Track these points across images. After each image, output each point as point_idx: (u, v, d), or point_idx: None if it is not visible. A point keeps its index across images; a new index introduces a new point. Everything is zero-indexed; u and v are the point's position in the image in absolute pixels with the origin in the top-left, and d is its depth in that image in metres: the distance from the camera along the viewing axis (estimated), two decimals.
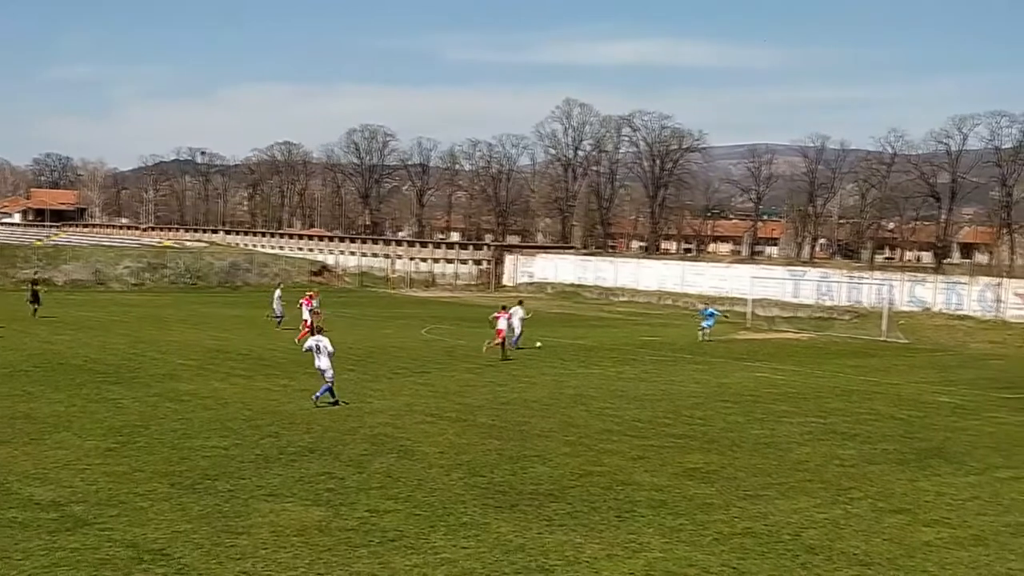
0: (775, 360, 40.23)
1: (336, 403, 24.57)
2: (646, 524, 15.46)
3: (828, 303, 65.24)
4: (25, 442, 19.45)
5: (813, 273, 71.16)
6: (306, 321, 39.39)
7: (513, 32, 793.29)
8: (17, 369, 29.27)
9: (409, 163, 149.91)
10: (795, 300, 66.65)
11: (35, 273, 62.41)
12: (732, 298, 68.27)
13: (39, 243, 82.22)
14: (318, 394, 24.70)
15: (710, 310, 48.40)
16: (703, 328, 46.55)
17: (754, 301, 61.21)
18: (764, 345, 47.00)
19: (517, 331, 38.87)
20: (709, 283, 73.51)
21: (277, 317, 44.91)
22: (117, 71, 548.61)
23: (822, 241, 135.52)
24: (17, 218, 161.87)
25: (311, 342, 25.52)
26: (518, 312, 39.66)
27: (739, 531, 15.30)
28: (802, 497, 17.55)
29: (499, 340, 36.38)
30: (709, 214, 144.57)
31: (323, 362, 24.75)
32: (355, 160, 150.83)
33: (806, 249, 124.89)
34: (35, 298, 47.87)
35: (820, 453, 21.48)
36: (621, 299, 75.89)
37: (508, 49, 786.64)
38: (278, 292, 46.69)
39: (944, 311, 60.29)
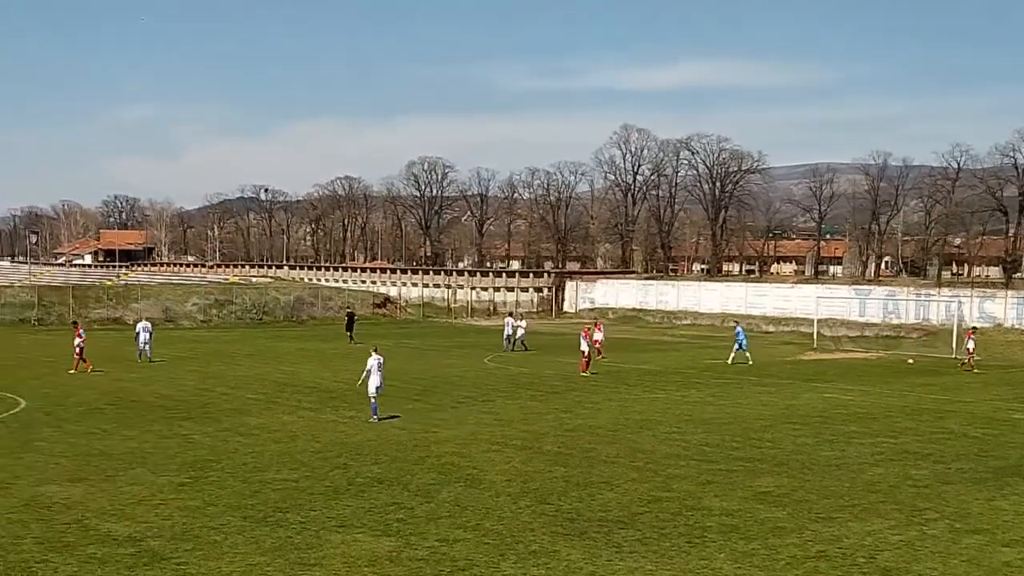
0: (843, 380, 39.72)
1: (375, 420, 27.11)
2: (717, 549, 15.34)
3: (895, 321, 64.37)
4: (101, 479, 19.82)
5: (879, 291, 70.24)
6: (585, 352, 40.69)
7: (562, 59, 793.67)
8: (91, 407, 29.84)
9: (468, 193, 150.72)
10: (861, 319, 65.87)
11: (350, 307, 69.73)
12: (797, 318, 67.72)
13: (110, 283, 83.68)
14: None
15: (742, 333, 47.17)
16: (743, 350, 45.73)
17: (820, 321, 60.58)
18: (832, 365, 46.43)
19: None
20: (773, 304, 72.96)
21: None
22: (177, 110, 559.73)
23: (887, 259, 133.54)
24: (88, 259, 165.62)
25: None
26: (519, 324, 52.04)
27: (813, 555, 15.12)
28: (876, 519, 17.30)
29: (970, 358, 44.99)
30: (771, 235, 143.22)
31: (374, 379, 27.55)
32: (415, 192, 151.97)
33: (871, 267, 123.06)
34: (350, 325, 55.28)
35: (892, 473, 21.16)
36: (684, 322, 75.51)
37: (558, 75, 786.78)
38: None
39: (1016, 326, 59.21)
